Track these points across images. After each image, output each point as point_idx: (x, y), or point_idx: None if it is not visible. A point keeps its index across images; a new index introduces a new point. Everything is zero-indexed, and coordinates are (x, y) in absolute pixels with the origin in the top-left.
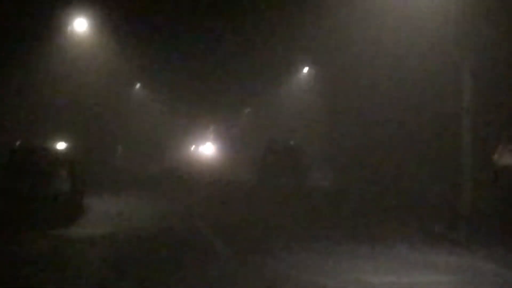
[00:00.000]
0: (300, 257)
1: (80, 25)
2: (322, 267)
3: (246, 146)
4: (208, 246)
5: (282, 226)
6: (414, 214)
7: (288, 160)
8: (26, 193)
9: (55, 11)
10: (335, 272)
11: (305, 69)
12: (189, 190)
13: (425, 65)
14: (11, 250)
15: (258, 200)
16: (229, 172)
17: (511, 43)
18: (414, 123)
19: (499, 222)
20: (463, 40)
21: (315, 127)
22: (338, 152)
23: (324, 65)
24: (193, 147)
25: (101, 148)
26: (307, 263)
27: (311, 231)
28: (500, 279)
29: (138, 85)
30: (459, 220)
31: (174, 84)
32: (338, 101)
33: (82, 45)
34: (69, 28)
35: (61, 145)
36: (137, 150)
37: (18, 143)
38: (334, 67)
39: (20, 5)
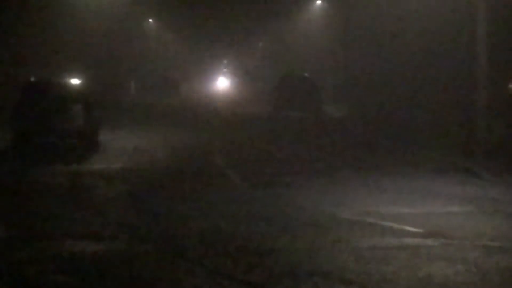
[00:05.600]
0: (315, 189)
1: None
2: (335, 198)
3: (260, 80)
4: (224, 180)
5: (297, 158)
6: (428, 143)
7: (302, 91)
8: (40, 129)
9: None
10: (348, 204)
11: (318, 2)
12: (204, 124)
13: None
14: (26, 185)
15: (273, 132)
16: (244, 105)
17: None
18: (429, 50)
19: None
20: None
21: (328, 59)
22: (352, 84)
23: None
24: (207, 82)
25: (115, 84)
26: (321, 195)
27: (325, 163)
28: None
29: (150, 21)
30: (475, 148)
31: (187, 20)
32: (351, 32)
33: None
34: None
35: (75, 81)
36: (151, 86)
37: (32, 78)
38: None
39: None
